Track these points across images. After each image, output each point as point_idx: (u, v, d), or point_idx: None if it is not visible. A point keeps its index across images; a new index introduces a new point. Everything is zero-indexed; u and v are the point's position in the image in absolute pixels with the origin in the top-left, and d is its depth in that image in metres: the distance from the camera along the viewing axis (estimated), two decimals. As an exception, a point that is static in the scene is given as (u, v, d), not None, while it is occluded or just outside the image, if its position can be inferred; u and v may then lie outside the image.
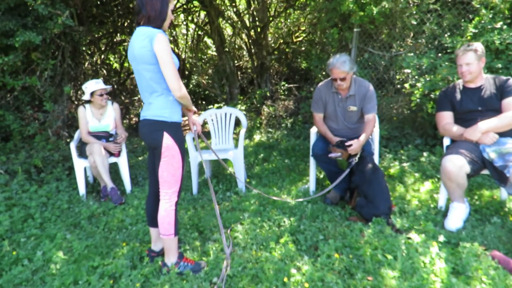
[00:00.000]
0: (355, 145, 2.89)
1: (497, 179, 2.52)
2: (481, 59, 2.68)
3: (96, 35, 6.23)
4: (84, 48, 5.86)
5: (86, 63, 6.45)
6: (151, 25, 2.00)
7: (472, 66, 2.68)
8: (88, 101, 3.75)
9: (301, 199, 3.14)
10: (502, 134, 2.60)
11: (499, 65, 3.30)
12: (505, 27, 3.29)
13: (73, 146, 3.65)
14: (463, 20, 3.92)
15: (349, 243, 2.42)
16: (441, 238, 2.41)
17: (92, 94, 3.64)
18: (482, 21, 3.44)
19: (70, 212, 3.32)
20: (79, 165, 3.63)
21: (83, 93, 3.68)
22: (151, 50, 1.94)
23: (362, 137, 2.96)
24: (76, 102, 5.62)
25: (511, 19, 3.47)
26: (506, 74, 3.27)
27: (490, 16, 3.40)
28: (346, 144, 2.92)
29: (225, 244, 2.26)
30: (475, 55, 2.66)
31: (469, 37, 3.52)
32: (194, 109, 2.33)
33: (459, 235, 2.48)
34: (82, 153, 3.76)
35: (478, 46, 2.67)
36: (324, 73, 5.43)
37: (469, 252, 2.17)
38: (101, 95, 3.65)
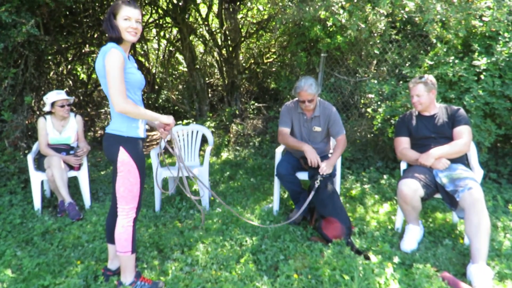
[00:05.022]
0: (326, 166, 2.99)
1: (448, 203, 2.65)
2: (431, 91, 2.86)
3: (63, 45, 6.09)
4: (49, 58, 5.70)
5: (51, 73, 6.27)
6: (111, 41, 2.00)
7: (422, 98, 2.85)
8: (50, 112, 3.64)
9: (266, 226, 3.16)
10: (453, 161, 2.76)
11: (452, 95, 3.52)
12: (457, 61, 3.54)
13: (30, 158, 3.50)
14: (421, 52, 4.18)
15: (308, 264, 2.45)
16: (396, 259, 2.50)
17: (53, 104, 3.54)
18: (438, 54, 3.68)
19: (23, 228, 3.15)
20: (36, 178, 3.48)
21: (45, 104, 3.57)
22: (104, 65, 1.94)
23: (333, 158, 3.09)
24: (38, 113, 5.42)
25: (463, 53, 3.73)
26: (458, 104, 3.50)
27: (445, 50, 3.65)
28: (319, 165, 3.02)
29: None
30: (425, 87, 2.84)
31: (426, 68, 3.75)
32: (162, 120, 2.16)
33: (413, 257, 2.57)
34: (40, 166, 3.61)
35: (428, 78, 2.85)
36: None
37: (422, 273, 2.25)
38: (62, 106, 3.55)
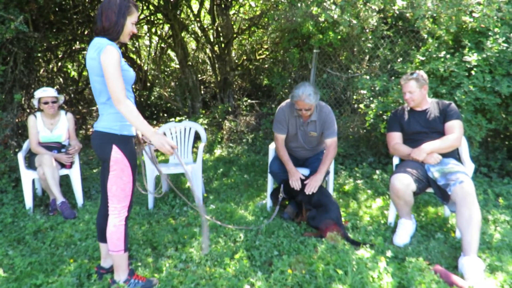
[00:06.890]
0: (312, 183, 2.97)
1: (440, 197, 2.68)
2: (423, 86, 2.87)
3: (53, 42, 6.01)
4: (39, 55, 5.63)
5: (41, 70, 6.19)
6: (106, 37, 1.96)
7: (415, 94, 2.86)
8: (40, 110, 3.60)
9: (251, 227, 3.16)
10: (445, 155, 2.79)
11: (443, 91, 3.55)
12: (448, 56, 3.56)
13: (21, 156, 3.46)
14: (413, 47, 4.20)
15: (302, 259, 2.46)
16: (389, 253, 2.52)
17: (40, 101, 3.51)
18: (429, 50, 3.70)
19: (14, 227, 3.12)
20: (27, 176, 3.44)
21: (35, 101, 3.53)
22: (99, 62, 1.90)
23: (322, 169, 3.03)
24: (28, 110, 5.36)
25: (454, 49, 3.76)
26: (449, 99, 3.53)
27: (436, 45, 3.68)
28: (303, 181, 3.05)
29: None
30: (417, 83, 2.85)
31: (417, 64, 3.77)
32: (149, 137, 1.96)
33: (405, 250, 2.60)
34: (31, 164, 3.57)
35: (420, 74, 2.86)
36: (286, 90, 5.57)
37: (414, 266, 2.27)
38: (46, 103, 3.50)
